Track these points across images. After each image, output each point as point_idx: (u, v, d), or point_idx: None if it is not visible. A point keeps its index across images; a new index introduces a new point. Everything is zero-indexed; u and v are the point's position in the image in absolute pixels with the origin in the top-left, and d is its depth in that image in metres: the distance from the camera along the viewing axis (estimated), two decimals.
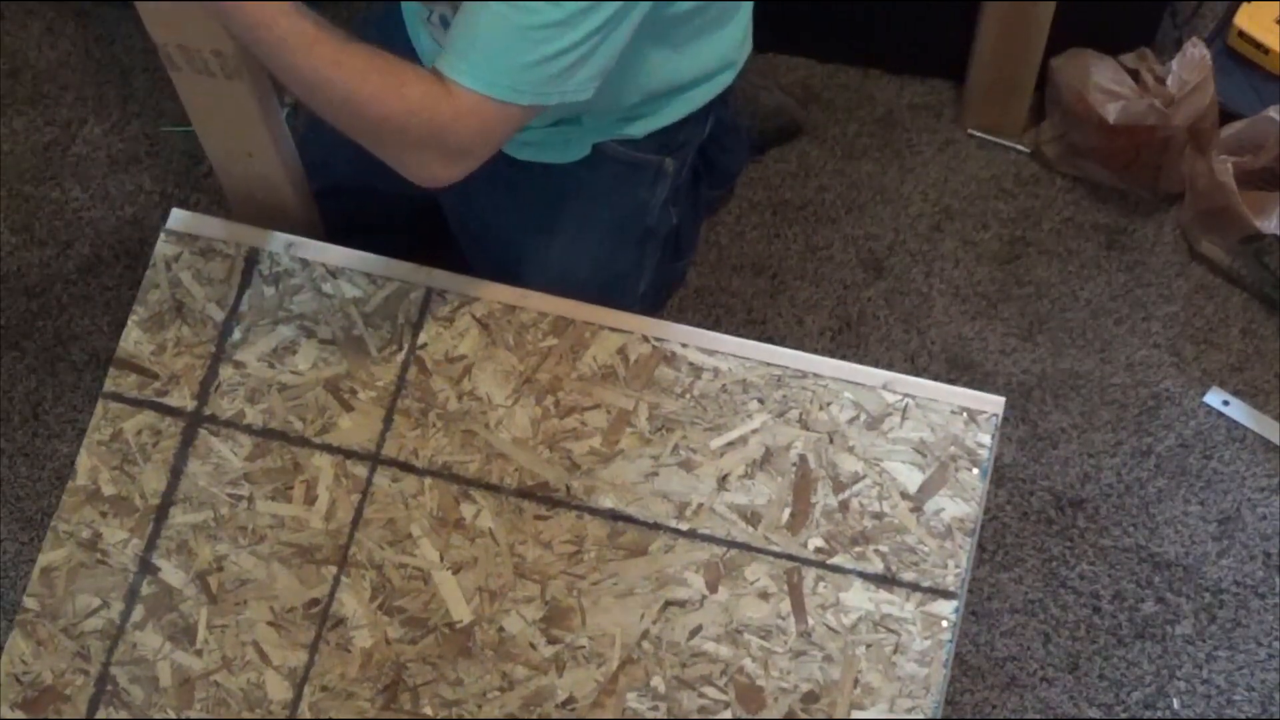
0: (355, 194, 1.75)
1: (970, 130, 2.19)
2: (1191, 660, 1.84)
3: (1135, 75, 2.04)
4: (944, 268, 2.10)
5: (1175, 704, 1.82)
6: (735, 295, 2.09)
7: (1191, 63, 2.00)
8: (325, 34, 1.34)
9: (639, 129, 1.70)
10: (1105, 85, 2.02)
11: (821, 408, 1.53)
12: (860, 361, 2.00)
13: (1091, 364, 2.03)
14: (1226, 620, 1.86)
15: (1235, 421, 1.98)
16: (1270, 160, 2.01)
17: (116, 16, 2.30)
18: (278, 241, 1.63)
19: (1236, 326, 2.05)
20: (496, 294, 1.59)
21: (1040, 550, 1.91)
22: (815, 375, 1.54)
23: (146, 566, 1.54)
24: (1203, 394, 2.00)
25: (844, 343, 2.05)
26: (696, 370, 1.55)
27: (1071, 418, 2.00)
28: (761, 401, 1.54)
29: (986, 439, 1.50)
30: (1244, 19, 2.09)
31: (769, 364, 1.55)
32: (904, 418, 1.52)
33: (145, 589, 1.53)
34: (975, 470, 1.49)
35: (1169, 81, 2.01)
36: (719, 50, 1.68)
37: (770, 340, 2.03)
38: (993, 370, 2.03)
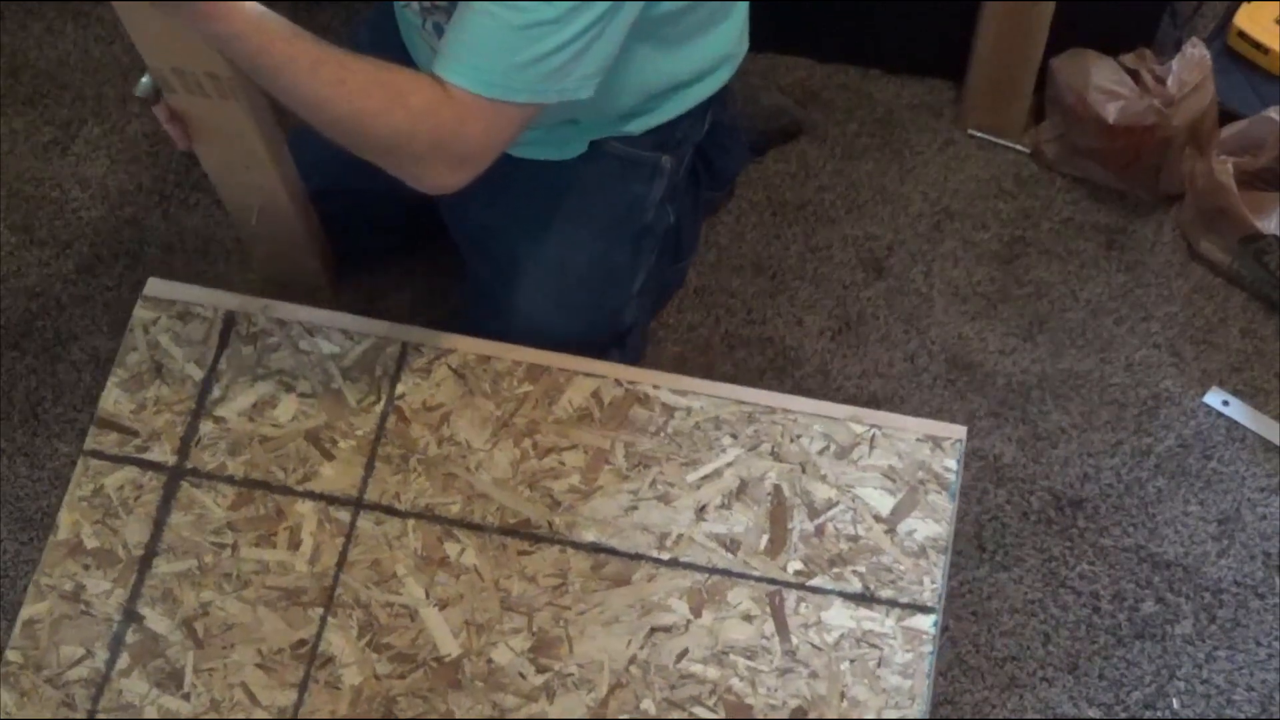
0: (350, 194, 1.75)
1: (970, 130, 2.19)
2: (1191, 660, 1.84)
3: (1135, 75, 2.04)
4: (944, 268, 2.10)
5: (1175, 704, 1.82)
6: (735, 295, 2.09)
7: (1191, 63, 2.00)
8: (324, 53, 1.34)
9: (637, 126, 1.70)
10: (1105, 85, 2.02)
11: (792, 440, 1.57)
12: (860, 361, 2.02)
13: (1091, 364, 2.03)
14: (1226, 620, 1.86)
15: (1235, 421, 1.98)
16: (1270, 160, 2.00)
17: (116, 17, 2.29)
18: (254, 304, 1.66)
19: (1236, 326, 2.05)
20: (471, 346, 1.63)
21: (1040, 550, 1.91)
22: (785, 410, 1.59)
23: (131, 615, 1.53)
24: (1203, 394, 2.00)
25: (844, 343, 2.05)
26: (669, 410, 1.59)
27: (1071, 418, 1.99)
28: (734, 436, 1.58)
29: (952, 463, 1.55)
30: (1244, 19, 2.09)
31: (740, 401, 1.59)
32: (872, 446, 1.57)
33: (130, 637, 1.52)
34: (944, 493, 1.54)
35: (1169, 81, 2.00)
36: (715, 47, 1.68)
37: (770, 340, 2.04)
38: (993, 370, 2.03)
